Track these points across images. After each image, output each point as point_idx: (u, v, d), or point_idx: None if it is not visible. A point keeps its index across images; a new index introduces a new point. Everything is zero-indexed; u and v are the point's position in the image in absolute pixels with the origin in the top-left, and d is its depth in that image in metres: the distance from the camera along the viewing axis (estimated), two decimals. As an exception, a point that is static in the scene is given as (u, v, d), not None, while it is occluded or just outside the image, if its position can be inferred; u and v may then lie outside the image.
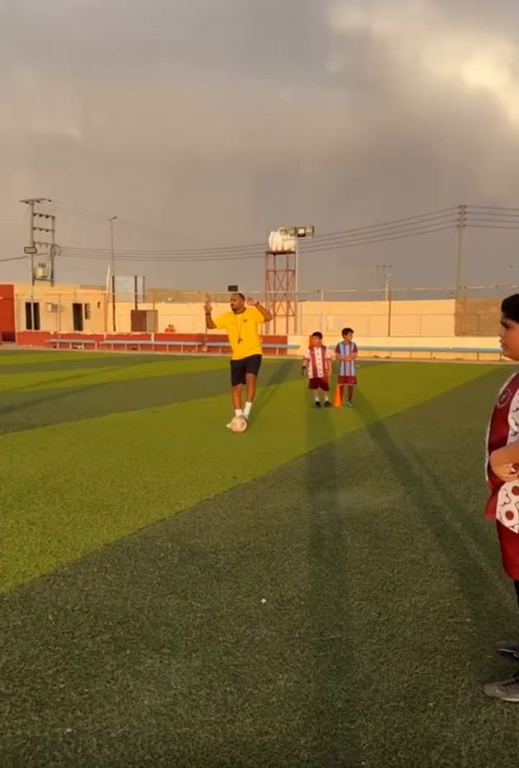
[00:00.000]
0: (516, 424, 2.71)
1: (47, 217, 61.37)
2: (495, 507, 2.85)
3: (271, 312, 10.55)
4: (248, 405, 10.12)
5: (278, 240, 42.13)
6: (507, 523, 2.81)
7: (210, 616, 3.65)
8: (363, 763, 2.47)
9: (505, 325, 2.81)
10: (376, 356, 31.65)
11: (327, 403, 12.93)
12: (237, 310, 9.84)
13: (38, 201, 59.35)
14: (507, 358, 2.93)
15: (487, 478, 2.90)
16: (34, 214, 58.34)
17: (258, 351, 9.92)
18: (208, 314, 9.79)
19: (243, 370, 9.90)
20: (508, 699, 2.85)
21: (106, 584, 4.08)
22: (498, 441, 2.79)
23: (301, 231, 41.06)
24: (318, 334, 13.29)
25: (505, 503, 2.81)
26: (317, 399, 13.00)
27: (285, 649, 3.30)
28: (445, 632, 3.51)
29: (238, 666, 3.14)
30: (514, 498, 2.78)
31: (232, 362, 10.05)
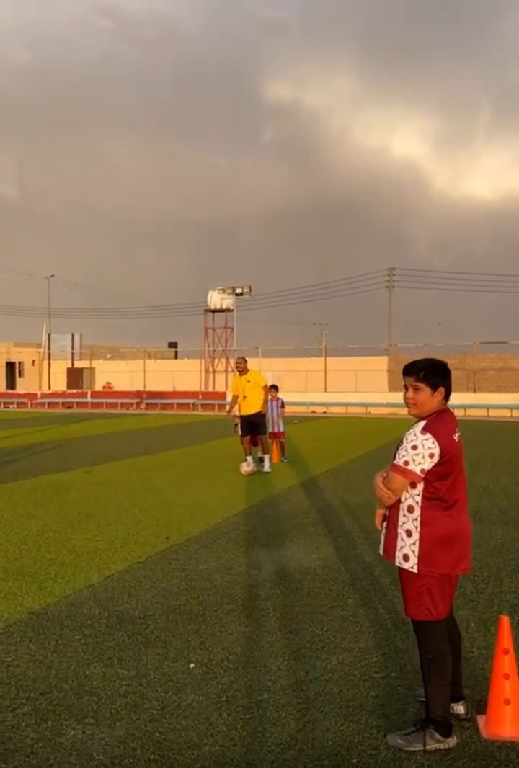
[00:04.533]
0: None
1: (-20, 274, 60.51)
2: (394, 552, 3.02)
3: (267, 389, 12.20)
4: (265, 457, 11.58)
5: (217, 299, 42.77)
6: (405, 565, 2.99)
7: (136, 683, 3.59)
8: None
9: (415, 388, 3.03)
10: (313, 411, 32.13)
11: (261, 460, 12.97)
12: (242, 372, 11.50)
13: (-29, 259, 58.40)
14: (413, 415, 3.13)
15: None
16: (-33, 272, 57.29)
17: (259, 408, 11.38)
18: (230, 412, 12.25)
19: (251, 424, 11.46)
20: (409, 748, 2.94)
21: (29, 654, 3.96)
22: None
23: (238, 290, 41.85)
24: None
25: (401, 547, 3.00)
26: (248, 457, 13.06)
27: (212, 714, 3.28)
28: (370, 688, 3.57)
29: (163, 733, 3.10)
30: (408, 541, 3.00)
31: (241, 417, 11.63)
